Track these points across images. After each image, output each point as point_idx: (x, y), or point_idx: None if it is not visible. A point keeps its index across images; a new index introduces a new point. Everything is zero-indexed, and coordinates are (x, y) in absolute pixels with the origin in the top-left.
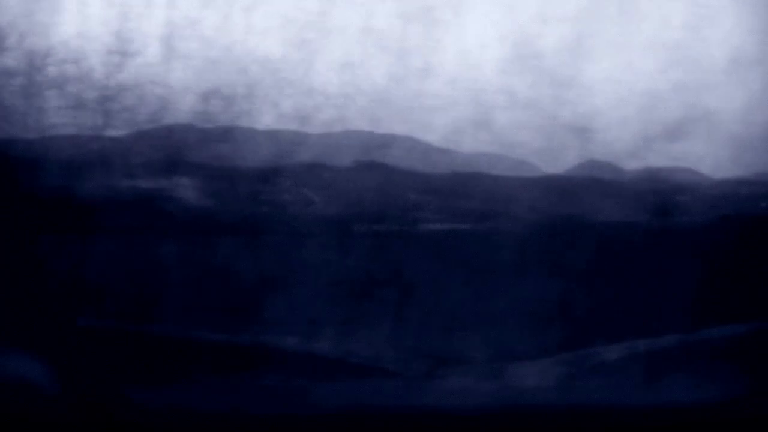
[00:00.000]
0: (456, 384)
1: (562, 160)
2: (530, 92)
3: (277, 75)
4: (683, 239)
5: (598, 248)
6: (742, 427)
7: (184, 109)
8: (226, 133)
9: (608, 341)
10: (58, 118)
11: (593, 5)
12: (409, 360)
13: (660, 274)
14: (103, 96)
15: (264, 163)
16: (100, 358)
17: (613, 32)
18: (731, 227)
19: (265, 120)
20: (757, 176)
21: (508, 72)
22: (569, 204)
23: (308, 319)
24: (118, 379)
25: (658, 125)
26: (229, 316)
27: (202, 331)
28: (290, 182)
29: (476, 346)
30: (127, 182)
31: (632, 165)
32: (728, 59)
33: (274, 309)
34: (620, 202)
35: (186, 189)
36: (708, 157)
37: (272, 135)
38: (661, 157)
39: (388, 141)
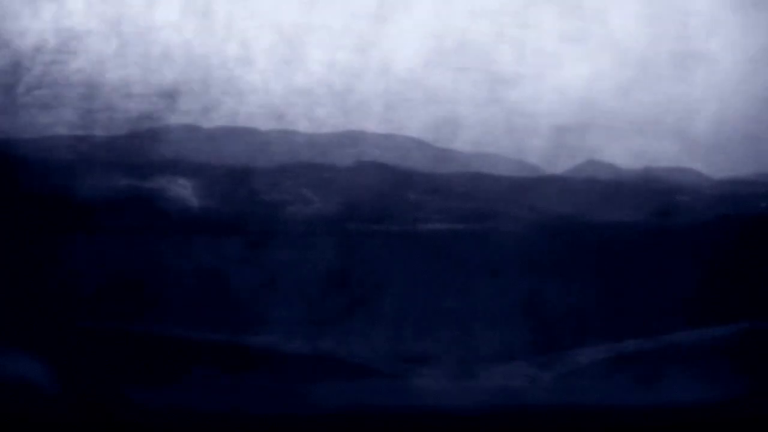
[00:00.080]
0: (456, 383)
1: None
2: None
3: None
4: (683, 239)
5: (598, 248)
6: (742, 427)
7: (174, 110)
8: (227, 134)
9: (608, 341)
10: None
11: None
12: (410, 360)
13: (660, 274)
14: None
15: (264, 163)
16: (100, 358)
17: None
18: (731, 227)
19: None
20: (757, 176)
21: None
22: (569, 204)
23: (309, 318)
24: (118, 379)
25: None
26: (229, 316)
27: (202, 331)
28: (290, 182)
29: (476, 346)
30: (125, 181)
31: (632, 165)
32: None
33: (274, 309)
34: (620, 202)
35: (184, 189)
36: (706, 158)
37: (271, 135)
38: (661, 158)
39: (388, 141)
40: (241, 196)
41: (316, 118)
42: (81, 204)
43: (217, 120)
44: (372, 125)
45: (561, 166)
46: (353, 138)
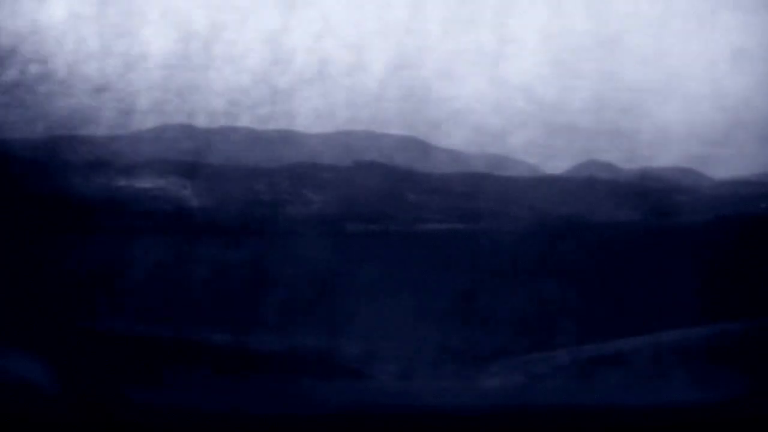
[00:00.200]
0: (453, 383)
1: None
2: None
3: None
4: (683, 239)
5: (598, 248)
6: (742, 427)
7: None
8: (226, 134)
9: (608, 341)
10: None
11: None
12: (410, 359)
13: (660, 274)
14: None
15: (263, 163)
16: (100, 359)
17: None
18: (731, 227)
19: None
20: (757, 176)
21: None
22: (569, 204)
23: (308, 319)
24: (118, 379)
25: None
26: (229, 316)
27: (202, 331)
28: (289, 182)
29: (476, 346)
30: (125, 181)
31: (631, 165)
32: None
33: (274, 309)
34: (619, 202)
35: (183, 189)
36: (704, 157)
37: (271, 135)
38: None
39: (388, 141)
40: (240, 197)
41: (309, 115)
42: (66, 203)
43: (216, 120)
44: (370, 125)
45: (560, 166)
46: (351, 138)
